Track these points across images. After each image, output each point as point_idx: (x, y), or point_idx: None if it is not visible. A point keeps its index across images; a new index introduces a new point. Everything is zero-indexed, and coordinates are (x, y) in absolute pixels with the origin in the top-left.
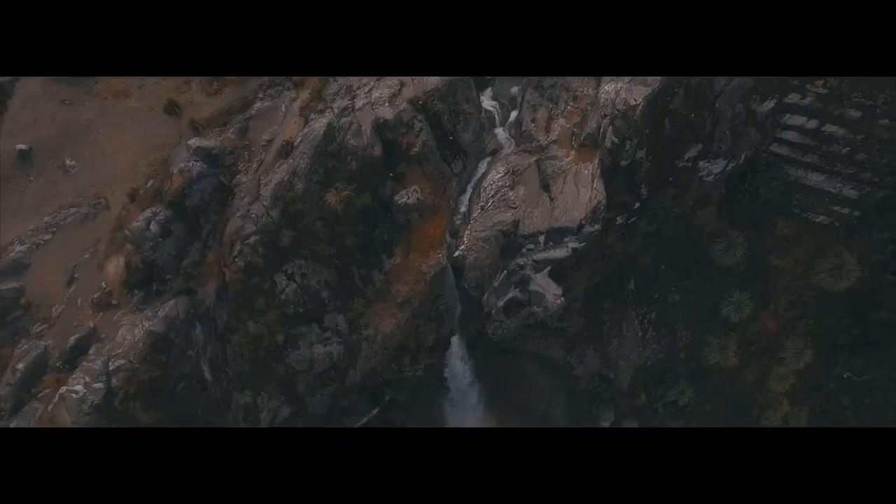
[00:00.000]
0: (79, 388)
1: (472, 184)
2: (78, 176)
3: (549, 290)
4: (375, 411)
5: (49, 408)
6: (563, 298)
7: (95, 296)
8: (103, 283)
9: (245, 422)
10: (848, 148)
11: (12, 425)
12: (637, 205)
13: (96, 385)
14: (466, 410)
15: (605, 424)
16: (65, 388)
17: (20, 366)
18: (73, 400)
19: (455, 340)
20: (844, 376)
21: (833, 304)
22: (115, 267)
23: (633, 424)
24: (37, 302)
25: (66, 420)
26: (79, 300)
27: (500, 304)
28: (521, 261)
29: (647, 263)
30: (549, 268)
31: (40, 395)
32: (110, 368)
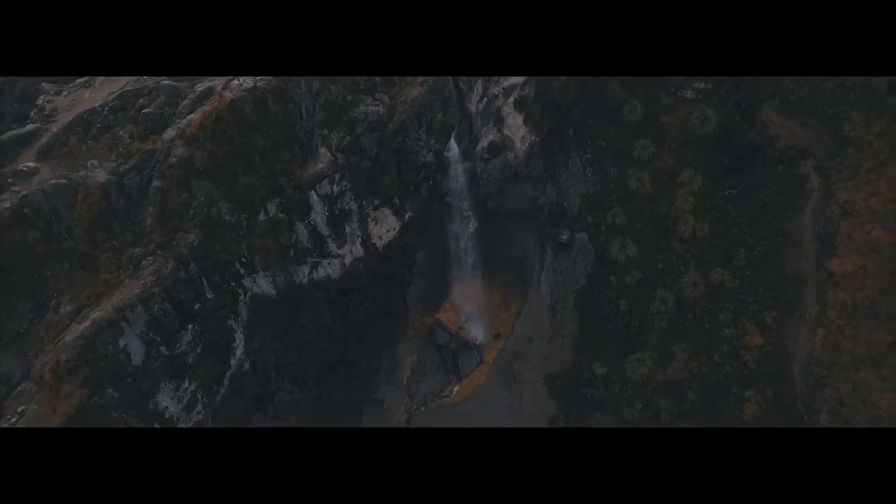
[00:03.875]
0: (240, 81)
1: None
2: None
3: (517, 133)
4: (398, 228)
5: (218, 94)
6: (527, 142)
7: None
8: None
9: (323, 145)
10: None
11: (187, 119)
12: None
13: (247, 84)
14: (465, 243)
15: (563, 239)
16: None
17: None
18: (235, 85)
19: (453, 142)
20: (727, 193)
21: (707, 143)
22: None
23: (584, 238)
24: None
25: (227, 97)
26: None
27: (485, 143)
28: (494, 90)
29: (579, 117)
30: (513, 96)
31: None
32: (256, 84)
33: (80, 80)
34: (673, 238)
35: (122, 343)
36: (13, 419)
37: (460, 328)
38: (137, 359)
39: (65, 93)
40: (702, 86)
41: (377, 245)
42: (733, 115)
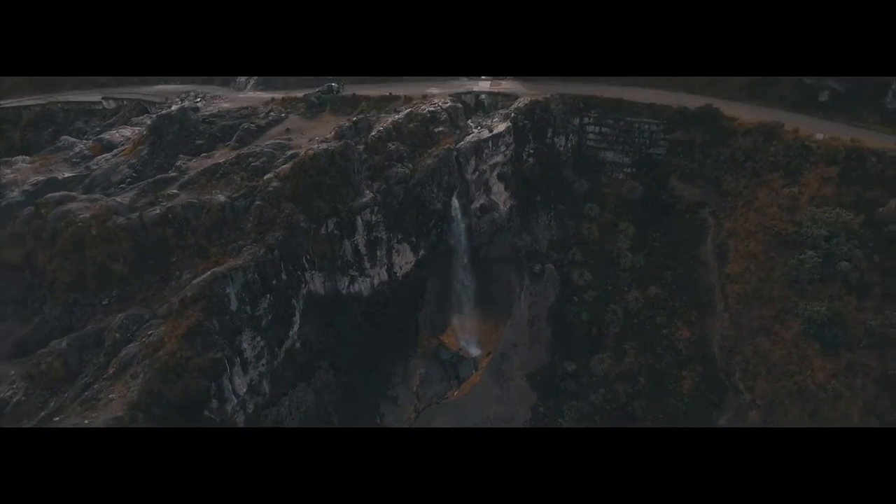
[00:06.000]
0: (317, 145)
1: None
2: None
3: (500, 198)
4: (413, 262)
5: (304, 152)
6: (508, 205)
7: None
8: None
9: (367, 189)
10: (614, 136)
11: (281, 168)
12: (532, 149)
13: (322, 146)
14: (465, 277)
15: (536, 270)
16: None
17: None
18: (315, 146)
19: (455, 201)
20: (653, 235)
21: (636, 204)
22: None
23: (552, 268)
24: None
25: (310, 153)
26: None
27: (478, 204)
28: (483, 166)
29: (544, 188)
30: (496, 171)
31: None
32: (328, 147)
33: (203, 154)
34: (618, 268)
35: (227, 290)
36: (143, 339)
37: (459, 349)
38: (233, 307)
39: (194, 160)
40: (629, 170)
41: (398, 274)
42: (651, 185)
